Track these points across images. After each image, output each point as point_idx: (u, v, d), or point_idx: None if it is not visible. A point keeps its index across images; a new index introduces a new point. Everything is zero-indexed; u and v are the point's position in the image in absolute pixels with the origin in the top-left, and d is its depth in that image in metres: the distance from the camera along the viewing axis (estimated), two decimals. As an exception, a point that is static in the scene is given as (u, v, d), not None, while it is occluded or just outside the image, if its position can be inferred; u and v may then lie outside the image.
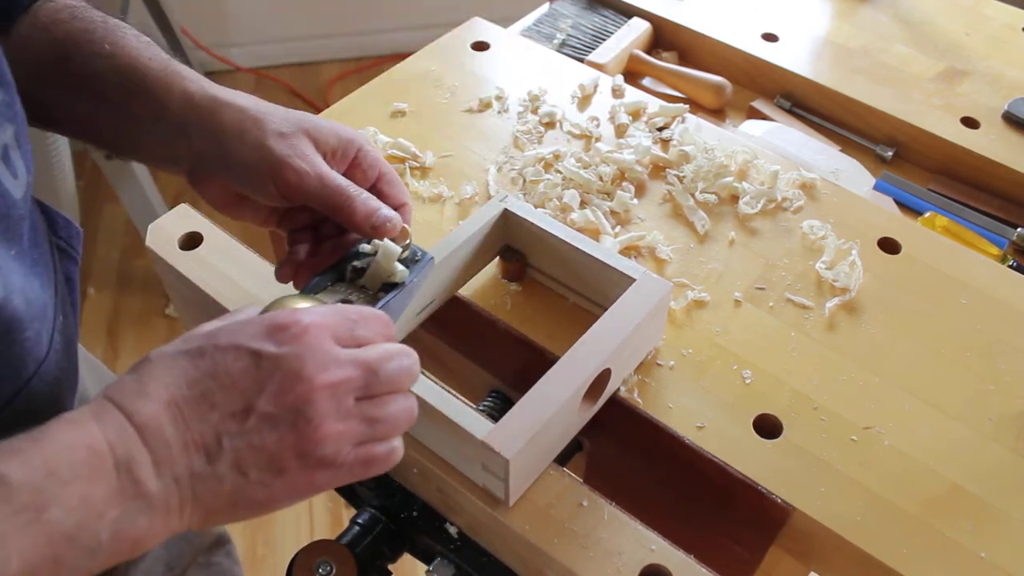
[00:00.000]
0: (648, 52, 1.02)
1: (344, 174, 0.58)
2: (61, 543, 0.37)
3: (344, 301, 0.56)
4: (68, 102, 0.58)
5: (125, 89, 0.56)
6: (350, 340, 0.46)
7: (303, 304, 0.50)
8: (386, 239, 0.57)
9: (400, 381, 0.47)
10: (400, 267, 0.57)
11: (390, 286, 0.57)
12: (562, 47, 1.00)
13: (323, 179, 0.55)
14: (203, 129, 0.56)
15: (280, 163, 0.54)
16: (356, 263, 0.58)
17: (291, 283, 0.60)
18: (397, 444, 0.47)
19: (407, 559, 0.64)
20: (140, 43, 0.58)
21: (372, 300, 0.56)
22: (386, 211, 0.57)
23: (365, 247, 0.59)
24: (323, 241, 0.61)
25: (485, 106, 0.86)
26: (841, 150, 0.92)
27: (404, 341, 0.60)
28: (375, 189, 0.60)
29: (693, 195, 0.78)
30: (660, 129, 0.84)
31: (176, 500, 0.41)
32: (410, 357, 0.48)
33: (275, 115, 0.57)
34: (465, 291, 0.69)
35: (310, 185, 0.55)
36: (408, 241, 0.59)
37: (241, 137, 0.55)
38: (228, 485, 0.42)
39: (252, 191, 0.57)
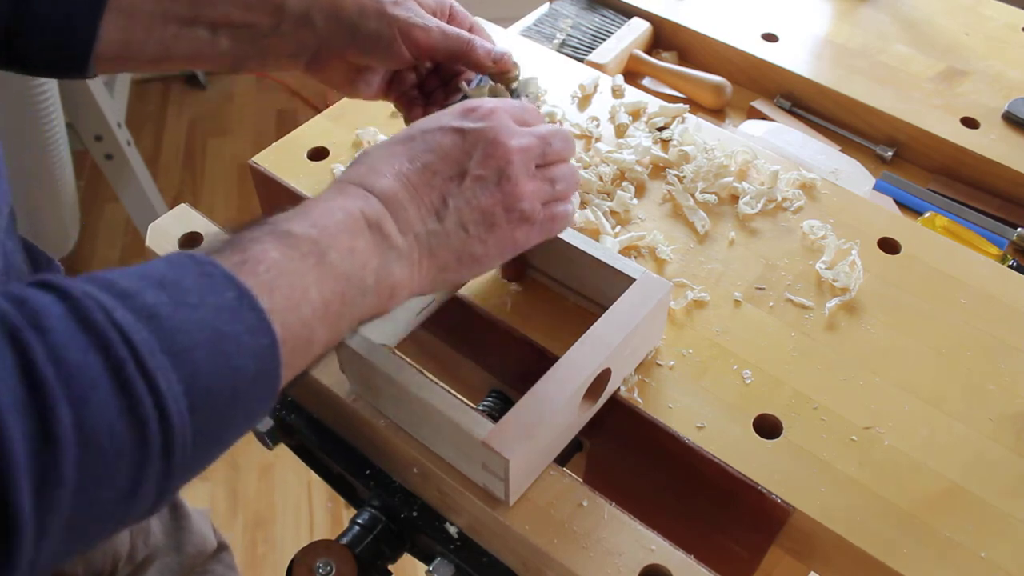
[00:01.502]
0: (648, 52, 1.02)
1: None
2: (342, 281, 0.44)
3: None
4: (189, 36, 0.62)
5: (244, 5, 0.62)
6: (521, 121, 0.55)
7: None
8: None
9: (565, 151, 0.56)
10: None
11: None
12: (562, 47, 1.00)
13: (444, 31, 0.64)
14: (325, 15, 0.63)
15: (407, 25, 0.62)
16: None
17: None
18: (571, 207, 0.57)
19: (407, 559, 0.64)
20: None
21: None
22: (500, 47, 0.67)
23: (473, 87, 0.69)
24: (431, 94, 0.70)
25: (485, 106, 0.86)
26: (841, 150, 0.92)
27: (404, 341, 0.60)
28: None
29: (693, 195, 0.78)
30: (660, 129, 0.84)
31: (416, 254, 0.49)
32: (568, 135, 0.57)
33: None
34: (465, 291, 0.69)
35: (435, 38, 0.63)
36: (517, 73, 0.69)
37: (363, 12, 0.63)
38: (455, 240, 0.50)
39: (380, 58, 0.64)
